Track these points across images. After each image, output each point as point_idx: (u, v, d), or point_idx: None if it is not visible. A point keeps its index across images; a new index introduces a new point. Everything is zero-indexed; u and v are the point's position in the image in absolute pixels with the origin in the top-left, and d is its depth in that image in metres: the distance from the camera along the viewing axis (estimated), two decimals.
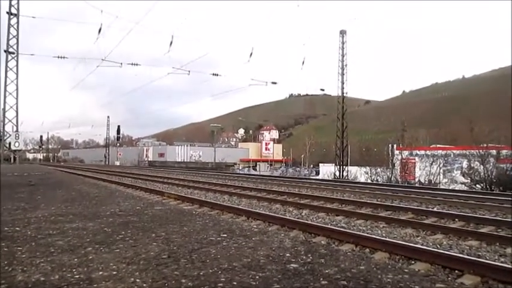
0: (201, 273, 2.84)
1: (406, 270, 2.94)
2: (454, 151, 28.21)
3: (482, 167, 21.88)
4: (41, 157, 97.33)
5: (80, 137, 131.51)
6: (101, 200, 8.10)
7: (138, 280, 2.73)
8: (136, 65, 26.98)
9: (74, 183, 13.65)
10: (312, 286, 2.52)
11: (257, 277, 2.73)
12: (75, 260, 3.32)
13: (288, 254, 3.41)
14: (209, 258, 3.30)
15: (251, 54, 22.88)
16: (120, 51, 25.13)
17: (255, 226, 5.72)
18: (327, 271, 2.86)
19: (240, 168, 69.29)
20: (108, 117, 76.14)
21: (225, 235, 4.33)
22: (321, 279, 2.67)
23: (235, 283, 2.62)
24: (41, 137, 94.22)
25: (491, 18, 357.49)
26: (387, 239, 6.28)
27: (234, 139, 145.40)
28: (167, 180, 21.67)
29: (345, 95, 34.55)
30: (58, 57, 26.34)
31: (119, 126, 75.52)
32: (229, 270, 2.92)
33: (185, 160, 79.00)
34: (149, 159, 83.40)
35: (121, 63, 24.86)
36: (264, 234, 4.43)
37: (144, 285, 2.62)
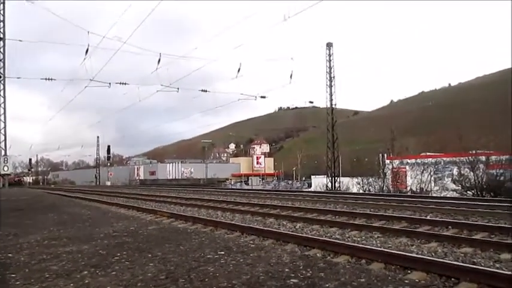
0: None
1: (406, 281, 2.95)
2: (444, 158, 28.47)
3: (472, 173, 22.09)
4: (30, 180, 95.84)
5: (70, 159, 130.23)
6: (94, 222, 8.02)
7: None
8: (125, 84, 26.91)
9: (65, 206, 13.47)
10: None
11: None
12: (71, 285, 3.28)
13: (287, 269, 3.40)
14: (208, 277, 3.27)
15: (239, 69, 22.98)
16: (108, 71, 25.04)
17: (251, 242, 5.70)
18: (327, 285, 2.86)
19: (232, 183, 69.01)
20: (98, 137, 75.40)
21: (222, 252, 4.30)
22: None
23: None
24: (30, 160, 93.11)
25: (475, 27, 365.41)
26: (382, 249, 6.28)
27: (225, 154, 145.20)
28: (159, 198, 21.49)
29: (333, 106, 34.82)
30: (46, 79, 26.21)
31: (108, 146, 74.98)
32: None
33: (177, 177, 78.55)
34: (140, 178, 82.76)
35: (109, 83, 24.79)
36: (261, 250, 4.41)
37: None
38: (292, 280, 3.05)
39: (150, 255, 4.35)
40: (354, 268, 3.51)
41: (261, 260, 3.85)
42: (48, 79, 26.29)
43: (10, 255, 4.74)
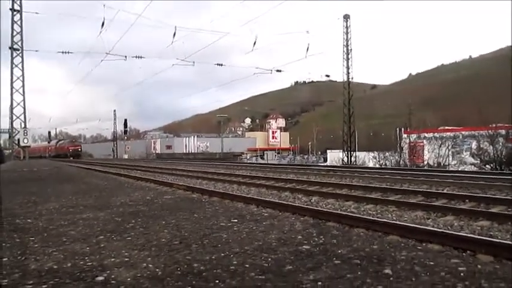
0: (213, 257, 2.85)
1: (419, 248, 2.92)
2: (463, 132, 27.93)
3: (491, 147, 21.66)
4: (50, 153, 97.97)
5: (88, 132, 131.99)
6: (111, 192, 8.16)
7: (150, 265, 2.74)
8: (141, 57, 26.98)
9: (83, 177, 13.75)
10: (325, 266, 2.51)
11: (269, 259, 2.73)
12: (87, 248, 3.35)
13: (299, 237, 3.41)
14: (220, 243, 3.30)
15: (255, 43, 22.75)
16: (124, 45, 25.07)
17: (265, 212, 5.71)
18: (339, 251, 2.85)
19: (248, 157, 69.31)
20: (115, 110, 76.12)
21: (236, 220, 4.33)
22: (334, 259, 2.66)
23: (247, 266, 2.62)
24: (49, 132, 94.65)
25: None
26: (398, 222, 6.23)
27: (241, 129, 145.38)
28: (175, 171, 21.69)
29: (350, 80, 34.26)
30: (63, 52, 26.39)
31: (125, 120, 75.62)
32: (241, 253, 2.92)
33: (193, 151, 79.26)
34: (157, 152, 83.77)
35: (125, 56, 24.90)
36: (275, 219, 4.43)
37: (157, 270, 2.63)
38: (304, 247, 3.05)
39: (164, 222, 4.41)
40: (368, 236, 3.49)
41: (274, 228, 3.86)
42: (66, 52, 26.46)
43: (29, 220, 4.87)
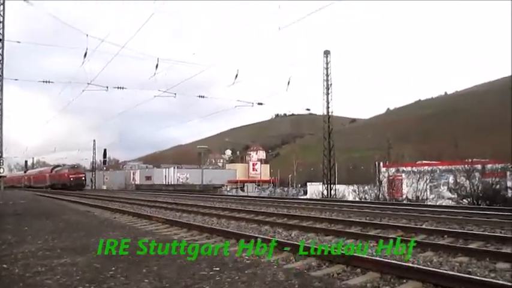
0: None
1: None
2: (440, 167, 28.54)
3: (468, 181, 22.15)
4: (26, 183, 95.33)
5: (66, 161, 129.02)
6: (90, 231, 7.94)
7: None
8: (123, 88, 26.87)
9: (61, 213, 13.36)
10: None
11: None
12: None
13: None
14: None
15: (236, 76, 23.03)
16: (106, 75, 25.04)
17: (246, 257, 5.61)
18: None
19: (228, 189, 68.83)
20: (94, 140, 75.00)
21: (218, 268, 4.26)
22: None
23: None
24: (26, 162, 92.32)
25: (472, 35, 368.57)
26: (378, 258, 6.26)
27: (221, 160, 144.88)
28: (154, 203, 21.40)
29: (330, 114, 34.88)
30: (44, 81, 26.11)
31: (105, 150, 74.66)
32: None
33: (172, 183, 78.25)
34: (136, 183, 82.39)
35: (107, 87, 24.76)
36: (257, 267, 4.37)
37: None
38: None
39: (145, 270, 4.29)
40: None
41: (256, 278, 3.80)
42: (47, 81, 26.20)
43: (5, 266, 4.68)
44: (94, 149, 74.79)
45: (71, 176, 50.09)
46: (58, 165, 61.65)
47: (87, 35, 20.32)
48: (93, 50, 19.95)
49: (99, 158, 77.77)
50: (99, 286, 3.67)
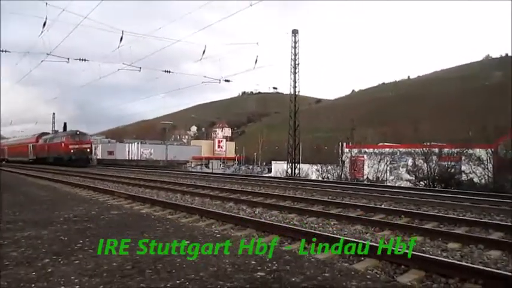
0: (168, 285, 2.85)
1: (368, 277, 3.11)
2: (400, 149, 29.52)
3: (425, 164, 23.05)
4: None
5: (23, 135, 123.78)
6: (53, 204, 7.79)
7: None
8: (85, 60, 25.87)
9: (20, 185, 12.94)
10: None
11: (225, 287, 2.79)
12: (33, 274, 3.21)
13: (253, 262, 3.48)
14: (175, 268, 3.30)
15: (204, 52, 22.67)
16: (67, 47, 23.95)
17: (217, 231, 5.70)
18: (293, 279, 2.96)
19: (193, 166, 68.53)
20: (54, 113, 71.98)
21: (188, 242, 4.33)
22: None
23: None
24: None
25: (434, 21, 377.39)
26: (337, 236, 6.49)
27: (187, 137, 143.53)
28: (117, 179, 21.04)
29: (297, 93, 35.12)
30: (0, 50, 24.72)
31: (65, 123, 71.23)
32: (197, 280, 2.95)
33: (136, 158, 76.95)
34: (98, 157, 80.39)
35: (68, 59, 23.76)
36: (228, 239, 4.48)
37: None
38: (259, 273, 3.14)
39: (113, 243, 4.31)
40: (319, 263, 3.64)
41: (227, 251, 3.91)
42: (3, 51, 24.81)
43: None
44: (53, 122, 71.94)
45: (71, 147, 36.91)
46: (46, 132, 49.72)
47: (46, 4, 19.28)
48: (53, 20, 18.99)
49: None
50: (66, 258, 3.67)
